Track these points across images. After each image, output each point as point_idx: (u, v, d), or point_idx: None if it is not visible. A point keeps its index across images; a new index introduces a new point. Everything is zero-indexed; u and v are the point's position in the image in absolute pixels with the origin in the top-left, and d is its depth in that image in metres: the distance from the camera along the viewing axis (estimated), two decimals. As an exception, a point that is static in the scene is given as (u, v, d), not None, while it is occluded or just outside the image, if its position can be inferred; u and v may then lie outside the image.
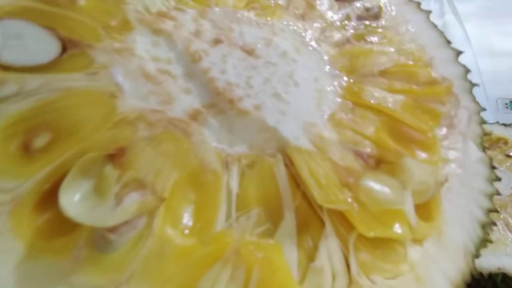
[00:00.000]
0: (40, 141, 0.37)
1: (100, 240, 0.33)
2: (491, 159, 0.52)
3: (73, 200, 0.34)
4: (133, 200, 0.35)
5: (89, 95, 0.41)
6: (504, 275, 0.64)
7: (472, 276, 0.48)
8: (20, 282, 0.31)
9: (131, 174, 0.37)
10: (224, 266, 0.34)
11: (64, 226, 0.34)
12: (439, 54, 0.60)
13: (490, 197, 0.49)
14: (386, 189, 0.41)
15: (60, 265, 0.32)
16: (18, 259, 0.32)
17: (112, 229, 0.33)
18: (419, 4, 0.67)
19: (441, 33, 0.63)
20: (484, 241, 0.46)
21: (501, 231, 0.73)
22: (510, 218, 0.74)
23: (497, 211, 0.50)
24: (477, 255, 0.45)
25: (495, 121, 1.11)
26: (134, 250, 0.34)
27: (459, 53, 0.62)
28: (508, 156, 0.94)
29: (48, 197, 0.35)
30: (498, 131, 1.04)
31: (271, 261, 0.35)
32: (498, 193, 0.50)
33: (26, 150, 0.37)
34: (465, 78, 0.59)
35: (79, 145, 0.37)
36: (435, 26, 0.65)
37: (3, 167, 0.35)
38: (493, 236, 0.72)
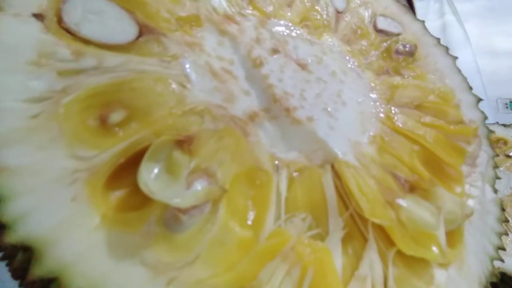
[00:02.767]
0: (116, 117, 0.39)
1: (171, 219, 0.35)
2: (501, 201, 0.57)
3: (151, 177, 0.35)
4: (202, 186, 0.37)
5: (162, 81, 0.43)
6: (504, 275, 0.65)
7: None
8: (92, 248, 0.32)
9: (198, 161, 0.39)
10: (283, 261, 0.36)
11: (136, 201, 0.35)
12: (463, 97, 0.65)
13: (500, 235, 0.54)
14: (426, 213, 0.44)
15: (130, 238, 0.34)
16: (92, 225, 0.33)
17: (184, 211, 0.35)
18: (447, 48, 0.72)
19: (465, 79, 0.69)
20: (493, 275, 0.50)
21: None
22: (510, 218, 0.75)
23: (504, 249, 0.54)
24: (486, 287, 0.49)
25: (495, 121, 1.11)
26: (200, 234, 0.35)
27: (479, 100, 0.68)
28: (508, 156, 0.95)
29: (121, 171, 0.37)
30: (498, 132, 1.04)
31: (323, 263, 0.37)
32: (506, 220, 0.54)
33: (103, 123, 0.38)
34: (484, 124, 0.64)
35: (152, 127, 0.39)
36: (459, 71, 0.70)
37: (81, 136, 0.36)
38: None
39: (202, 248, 0.35)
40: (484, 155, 0.57)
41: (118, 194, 0.36)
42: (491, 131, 0.66)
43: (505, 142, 1.03)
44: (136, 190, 0.35)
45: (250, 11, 0.56)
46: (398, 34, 0.68)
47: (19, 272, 0.33)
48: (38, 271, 0.30)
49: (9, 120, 0.35)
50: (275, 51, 0.53)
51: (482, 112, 0.66)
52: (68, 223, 0.32)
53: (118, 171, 0.37)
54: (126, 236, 0.34)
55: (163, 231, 0.34)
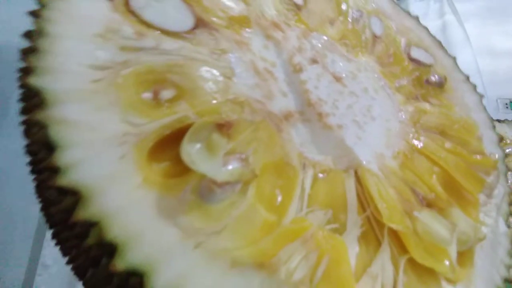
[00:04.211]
0: (166, 94, 0.42)
1: (206, 191, 0.37)
2: (513, 236, 0.58)
3: (193, 150, 0.38)
4: (236, 166, 0.40)
5: (211, 70, 0.46)
6: (506, 281, 0.63)
7: None
8: (133, 203, 0.35)
9: (234, 145, 0.42)
10: (302, 245, 0.38)
11: (176, 171, 0.38)
12: (486, 133, 0.67)
13: (508, 268, 0.55)
14: (441, 228, 0.46)
15: (168, 201, 0.36)
16: (135, 183, 0.36)
17: (218, 184, 0.37)
18: (475, 86, 0.75)
19: (489, 117, 0.71)
20: None
21: None
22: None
23: (510, 282, 0.55)
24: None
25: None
26: (230, 208, 0.38)
27: (501, 138, 0.70)
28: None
29: (166, 142, 0.40)
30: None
31: (339, 254, 0.39)
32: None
33: (155, 97, 0.41)
34: (503, 162, 0.66)
35: (197, 108, 0.42)
36: (485, 109, 0.72)
37: (135, 105, 0.40)
38: None
39: (230, 221, 0.37)
40: (501, 188, 0.58)
41: (160, 164, 0.39)
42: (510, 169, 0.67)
43: (501, 139, 1.01)
44: (176, 162, 0.38)
45: (295, 23, 0.60)
46: (430, 65, 0.71)
47: (63, 214, 0.36)
48: (82, 213, 0.33)
49: (73, 80, 0.39)
50: (314, 61, 0.57)
51: (503, 150, 0.68)
52: (114, 177, 0.35)
53: (163, 143, 0.40)
54: (164, 199, 0.36)
55: (197, 200, 0.37)
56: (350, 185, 0.47)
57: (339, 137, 0.51)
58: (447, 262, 0.45)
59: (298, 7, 0.61)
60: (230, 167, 0.40)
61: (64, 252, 0.43)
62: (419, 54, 0.71)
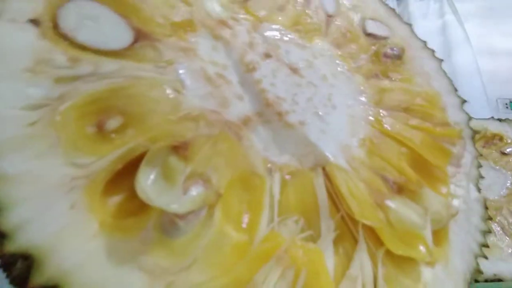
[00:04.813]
0: (112, 123, 0.39)
1: (168, 225, 0.36)
2: (485, 200, 0.59)
3: (148, 183, 0.36)
4: (198, 192, 0.38)
5: (157, 87, 0.43)
6: (500, 281, 0.64)
7: None
8: (91, 255, 0.33)
9: (194, 167, 0.40)
10: (277, 263, 0.37)
11: (134, 207, 0.36)
12: (448, 100, 0.67)
13: (484, 233, 0.56)
14: (413, 214, 0.46)
15: (128, 244, 0.34)
16: (90, 233, 0.34)
17: (181, 216, 0.36)
18: (433, 51, 0.74)
19: (450, 81, 0.71)
20: (477, 272, 0.52)
21: (496, 235, 0.71)
22: (505, 221, 0.72)
23: (487, 246, 0.56)
24: (470, 284, 0.51)
25: (490, 117, 1.06)
26: (197, 239, 0.36)
27: (464, 101, 0.70)
28: (504, 153, 0.91)
29: (118, 178, 0.37)
30: (493, 127, 1.00)
31: (316, 264, 0.39)
32: (490, 218, 0.56)
33: (100, 130, 0.38)
34: (468, 125, 0.66)
35: (149, 133, 0.40)
36: (445, 73, 0.72)
37: (79, 143, 0.37)
38: (488, 240, 0.70)
39: (198, 252, 0.36)
40: (468, 155, 0.59)
41: (115, 200, 0.37)
42: (476, 132, 0.68)
43: (501, 138, 0.99)
44: (133, 196, 0.36)
45: (242, 16, 0.57)
46: (386, 38, 0.69)
47: (19, 280, 0.34)
48: (38, 279, 0.31)
49: (6, 128, 0.35)
50: (267, 55, 0.54)
51: (467, 114, 0.68)
52: (67, 231, 0.33)
53: (116, 177, 0.37)
54: (124, 242, 0.34)
55: (160, 237, 0.35)
56: (320, 184, 0.46)
57: (303, 135, 0.49)
58: (422, 248, 0.45)
59: (241, 1, 0.57)
60: (192, 193, 0.38)
61: None
62: (374, 27, 0.69)
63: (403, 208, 0.47)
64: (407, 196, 0.49)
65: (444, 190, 0.52)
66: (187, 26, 0.50)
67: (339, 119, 0.54)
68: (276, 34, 0.58)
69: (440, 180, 0.53)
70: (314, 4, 0.66)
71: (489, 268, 0.65)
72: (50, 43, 0.41)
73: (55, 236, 0.32)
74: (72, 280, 0.31)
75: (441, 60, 0.73)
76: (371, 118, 0.56)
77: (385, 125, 0.56)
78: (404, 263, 0.45)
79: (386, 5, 0.75)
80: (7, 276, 0.37)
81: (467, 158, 0.59)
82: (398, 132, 0.55)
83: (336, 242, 0.43)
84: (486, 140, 0.99)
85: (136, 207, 0.36)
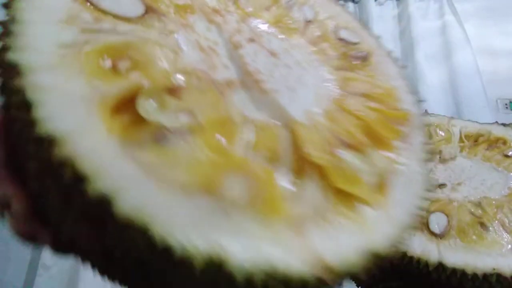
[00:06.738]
0: (123, 65, 0.51)
1: (161, 136, 0.46)
2: (430, 173, 0.69)
3: (148, 104, 0.47)
4: (185, 119, 0.49)
5: (161, 47, 0.55)
6: (499, 276, 0.65)
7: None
8: (101, 144, 0.43)
9: (183, 103, 0.51)
10: (242, 175, 0.47)
11: (135, 124, 0.47)
12: (405, 97, 0.79)
13: (423, 199, 0.66)
14: (359, 163, 0.57)
15: (129, 145, 0.45)
16: (101, 133, 0.44)
17: (171, 131, 0.46)
18: (396, 59, 0.87)
19: (409, 83, 0.83)
20: (411, 229, 0.61)
21: (496, 231, 0.73)
22: (505, 219, 0.75)
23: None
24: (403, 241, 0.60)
25: (495, 122, 1.09)
26: (181, 150, 0.47)
27: (504, 141, 0.82)
28: (506, 156, 0.94)
29: (124, 105, 0.48)
30: (497, 131, 1.02)
31: (272, 180, 0.49)
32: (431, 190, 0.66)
33: (114, 67, 0.50)
34: (421, 117, 0.77)
35: (150, 76, 0.51)
36: (405, 77, 0.85)
37: (97, 73, 0.48)
38: (488, 237, 0.73)
39: (181, 160, 0.46)
40: (416, 138, 0.70)
41: (120, 119, 0.48)
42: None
43: (504, 142, 1.00)
44: (134, 119, 0.47)
45: (233, 9, 0.70)
46: (356, 43, 0.82)
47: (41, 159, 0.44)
48: (58, 152, 0.41)
49: (44, 55, 0.47)
50: (251, 40, 0.67)
51: (423, 109, 0.80)
52: (82, 127, 0.43)
53: (122, 105, 0.48)
54: (126, 144, 0.45)
55: (153, 143, 0.46)
56: (285, 135, 0.57)
57: (274, 99, 0.60)
58: (364, 188, 0.55)
59: None
60: (180, 119, 0.49)
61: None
62: (346, 34, 0.82)
63: (351, 157, 0.57)
64: (357, 151, 0.60)
65: (389, 155, 0.63)
66: (188, 9, 0.63)
67: (306, 93, 0.65)
68: (261, 26, 0.71)
69: (387, 148, 0.64)
70: (295, 10, 0.79)
71: (489, 262, 0.66)
72: (80, 5, 0.53)
73: (73, 128, 0.43)
74: (84, 158, 0.41)
75: (404, 66, 0.86)
76: (334, 97, 0.68)
77: (345, 103, 0.67)
78: (347, 200, 0.55)
79: (359, 20, 0.89)
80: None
81: (415, 140, 0.70)
82: (356, 109, 0.67)
83: (291, 175, 0.53)
84: (489, 143, 1.00)
85: (136, 125, 0.47)
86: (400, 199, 0.62)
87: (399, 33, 3.98)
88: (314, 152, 0.55)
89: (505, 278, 0.66)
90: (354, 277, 0.50)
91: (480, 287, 0.67)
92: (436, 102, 3.46)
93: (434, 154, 0.99)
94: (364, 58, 0.81)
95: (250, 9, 0.72)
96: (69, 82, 0.46)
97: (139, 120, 0.47)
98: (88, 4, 0.54)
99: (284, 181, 0.52)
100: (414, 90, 0.83)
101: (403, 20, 3.99)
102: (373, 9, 4.00)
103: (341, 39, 0.82)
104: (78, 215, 0.44)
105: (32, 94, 0.43)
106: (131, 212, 0.41)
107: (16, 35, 0.47)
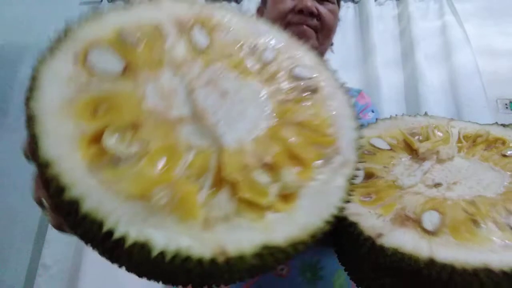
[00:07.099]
0: (101, 110, 0.77)
1: (116, 160, 0.71)
2: (351, 190, 0.86)
3: (110, 139, 0.72)
4: (137, 147, 0.73)
5: (131, 95, 0.80)
6: (490, 271, 0.65)
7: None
8: (76, 166, 0.69)
9: (139, 135, 0.75)
10: (169, 185, 0.70)
11: (100, 150, 0.72)
12: (344, 122, 0.95)
13: (338, 209, 0.83)
14: (267, 179, 0.77)
15: (93, 166, 0.70)
16: (77, 158, 0.70)
17: (124, 155, 0.71)
18: (348, 89, 1.03)
19: (354, 110, 0.99)
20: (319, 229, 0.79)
21: (489, 228, 0.74)
22: (498, 216, 0.76)
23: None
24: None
25: (494, 122, 1.09)
26: (130, 169, 0.71)
27: (504, 142, 0.96)
28: (504, 155, 0.94)
29: (98, 136, 0.74)
30: (496, 132, 1.02)
31: (191, 192, 0.71)
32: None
33: (95, 112, 0.76)
34: (356, 142, 0.93)
35: (119, 117, 0.76)
36: (353, 106, 1.01)
37: (83, 116, 0.74)
38: (480, 233, 0.73)
39: (126, 177, 0.70)
40: (339, 158, 0.87)
41: (91, 150, 0.73)
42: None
43: (503, 142, 1.00)
44: (100, 148, 0.72)
45: (200, 58, 0.93)
46: (309, 78, 1.01)
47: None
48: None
49: (51, 93, 0.74)
50: (208, 82, 0.89)
51: (360, 134, 0.96)
52: (66, 155, 0.69)
53: (95, 138, 0.74)
54: (91, 165, 0.70)
55: (110, 165, 0.71)
56: (214, 158, 0.79)
57: (214, 130, 0.82)
58: (267, 198, 0.75)
59: (201, 51, 0.94)
60: (132, 148, 0.73)
61: None
62: (300, 71, 1.01)
63: (262, 175, 0.77)
64: (270, 171, 0.79)
65: (305, 172, 0.82)
66: (158, 64, 0.87)
67: (244, 124, 0.86)
68: (220, 70, 0.93)
69: (305, 166, 0.82)
70: (257, 54, 1.00)
71: (479, 258, 0.67)
72: (80, 69, 0.80)
73: (59, 155, 0.69)
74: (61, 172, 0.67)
75: (352, 97, 1.02)
76: (270, 126, 0.88)
77: (279, 131, 0.87)
78: (253, 207, 0.75)
79: (318, 58, 1.06)
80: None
81: (338, 160, 0.87)
82: (285, 136, 0.86)
83: (209, 191, 0.75)
84: (488, 144, 1.01)
85: (100, 152, 0.72)
86: (306, 206, 0.80)
87: (399, 33, 3.79)
88: (230, 172, 0.76)
89: (495, 274, 0.66)
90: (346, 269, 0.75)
91: (470, 282, 0.66)
92: (436, 102, 3.29)
93: (431, 155, 1.09)
94: (314, 91, 0.99)
95: (214, 56, 0.95)
96: (62, 125, 0.73)
97: (102, 149, 0.72)
98: (85, 68, 0.81)
99: (202, 193, 0.74)
100: (358, 116, 0.99)
101: (403, 20, 3.99)
102: (373, 9, 3.84)
103: (295, 76, 1.01)
104: (63, 211, 0.70)
105: (37, 129, 0.70)
106: (91, 210, 0.66)
107: (33, 89, 0.75)
